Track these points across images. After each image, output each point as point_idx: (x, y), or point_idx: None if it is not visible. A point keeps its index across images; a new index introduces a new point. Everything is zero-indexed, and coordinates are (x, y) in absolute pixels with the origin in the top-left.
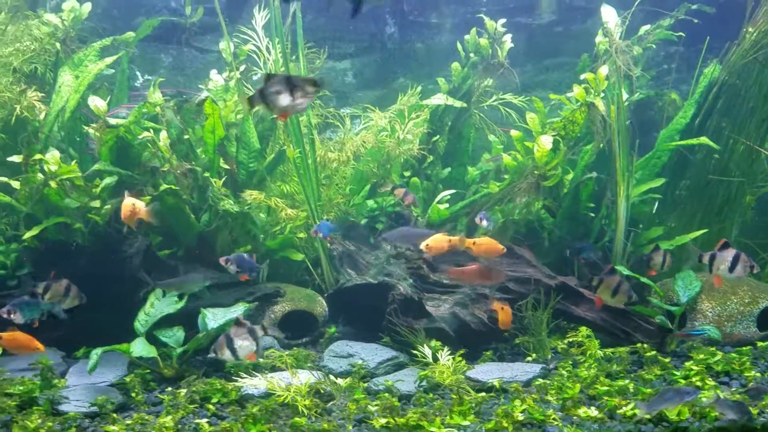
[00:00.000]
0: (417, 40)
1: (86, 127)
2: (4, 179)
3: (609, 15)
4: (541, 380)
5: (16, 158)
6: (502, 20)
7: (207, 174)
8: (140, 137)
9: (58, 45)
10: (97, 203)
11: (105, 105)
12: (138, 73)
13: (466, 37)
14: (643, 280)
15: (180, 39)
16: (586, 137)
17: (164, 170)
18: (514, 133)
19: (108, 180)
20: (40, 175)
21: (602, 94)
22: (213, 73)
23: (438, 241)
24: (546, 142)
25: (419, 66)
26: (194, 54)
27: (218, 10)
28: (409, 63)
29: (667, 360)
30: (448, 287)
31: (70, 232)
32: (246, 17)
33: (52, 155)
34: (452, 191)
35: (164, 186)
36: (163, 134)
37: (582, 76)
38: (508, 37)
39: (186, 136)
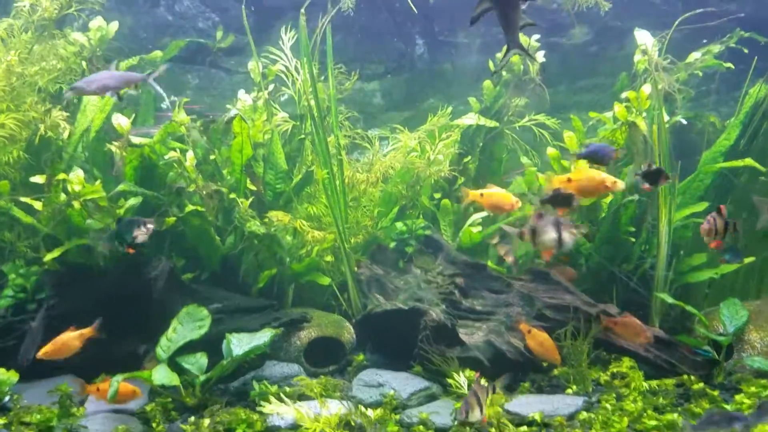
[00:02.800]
0: (447, 60)
1: (109, 145)
2: (27, 199)
3: (644, 38)
4: (585, 414)
5: (39, 178)
6: (536, 36)
7: (233, 195)
8: (166, 157)
9: (84, 64)
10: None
11: (128, 123)
12: (163, 93)
13: (498, 54)
14: (689, 308)
15: (207, 60)
16: (625, 158)
17: (190, 191)
18: (550, 151)
19: (132, 201)
20: (63, 196)
21: (644, 114)
22: (241, 92)
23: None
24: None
25: (449, 86)
26: (221, 75)
27: (248, 30)
28: (438, 83)
29: (715, 393)
30: (481, 313)
31: (93, 254)
32: (274, 39)
33: (76, 175)
34: (484, 213)
35: (190, 207)
36: (189, 154)
37: (623, 95)
38: (540, 54)
39: (212, 157)
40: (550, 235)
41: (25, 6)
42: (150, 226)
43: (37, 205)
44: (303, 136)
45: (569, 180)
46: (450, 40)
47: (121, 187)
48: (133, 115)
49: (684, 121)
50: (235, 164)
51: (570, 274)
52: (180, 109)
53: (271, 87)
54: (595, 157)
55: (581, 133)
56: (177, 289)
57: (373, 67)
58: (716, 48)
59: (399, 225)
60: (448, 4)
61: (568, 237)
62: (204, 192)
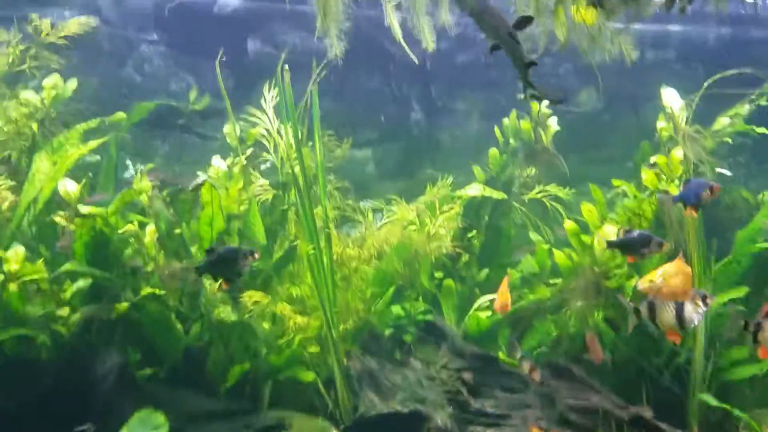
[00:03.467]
0: (445, 127)
1: (55, 217)
2: None
3: (671, 98)
4: None
5: None
6: (546, 102)
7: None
8: (121, 231)
9: (35, 127)
10: (65, 311)
11: (77, 189)
12: (129, 161)
13: (505, 120)
14: (736, 412)
15: (179, 124)
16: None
17: (148, 271)
18: (568, 224)
19: (81, 283)
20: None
21: (676, 181)
22: (215, 159)
23: None
24: (610, 232)
25: (448, 155)
26: (194, 141)
27: (223, 90)
28: (436, 152)
29: None
30: (494, 417)
31: (32, 346)
32: (255, 101)
33: (15, 252)
34: (492, 296)
35: (146, 290)
36: (150, 228)
37: (652, 159)
38: (553, 120)
39: (178, 231)
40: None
41: None
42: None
43: None
44: (286, 207)
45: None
46: (449, 106)
47: (66, 266)
48: (83, 180)
49: (728, 172)
50: (204, 239)
51: (599, 354)
52: (143, 177)
53: (249, 151)
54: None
55: (602, 205)
56: (129, 388)
57: (365, 133)
58: (744, 109)
59: (395, 309)
60: (447, 69)
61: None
62: (165, 272)
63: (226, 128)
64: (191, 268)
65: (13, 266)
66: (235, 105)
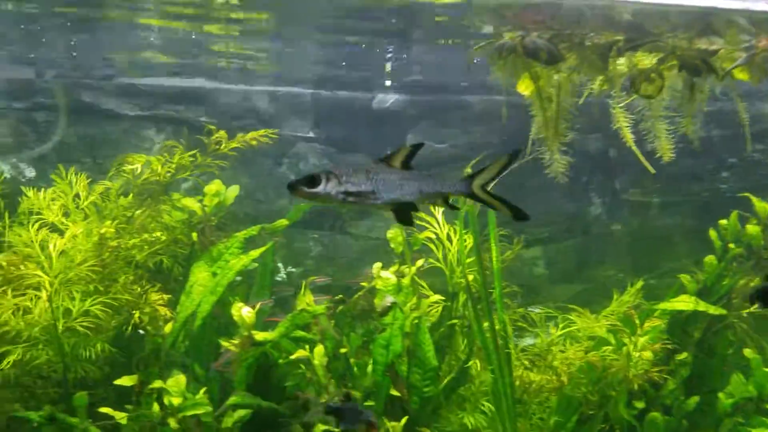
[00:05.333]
0: (632, 224)
1: (223, 342)
2: (108, 410)
3: None
4: None
5: (126, 381)
6: None
7: (371, 403)
8: (294, 357)
9: (194, 235)
10: None
11: (252, 315)
12: (280, 264)
13: (723, 221)
14: None
15: (333, 224)
16: None
17: (321, 402)
18: None
19: (241, 413)
20: (156, 409)
21: None
22: (376, 267)
23: None
24: None
25: (634, 256)
26: (348, 242)
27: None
28: (619, 252)
29: None
30: None
31: None
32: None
33: (176, 382)
34: None
35: (321, 427)
36: (319, 350)
37: None
38: None
39: (343, 350)
40: None
41: (135, 169)
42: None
43: (121, 418)
44: (455, 320)
45: None
46: (637, 199)
47: (232, 399)
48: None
49: None
50: (378, 363)
51: None
52: (306, 291)
53: (420, 262)
54: None
55: None
56: None
57: (534, 230)
58: None
59: None
60: (634, 156)
61: None
62: (336, 400)
63: (391, 232)
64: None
65: (174, 399)
66: None
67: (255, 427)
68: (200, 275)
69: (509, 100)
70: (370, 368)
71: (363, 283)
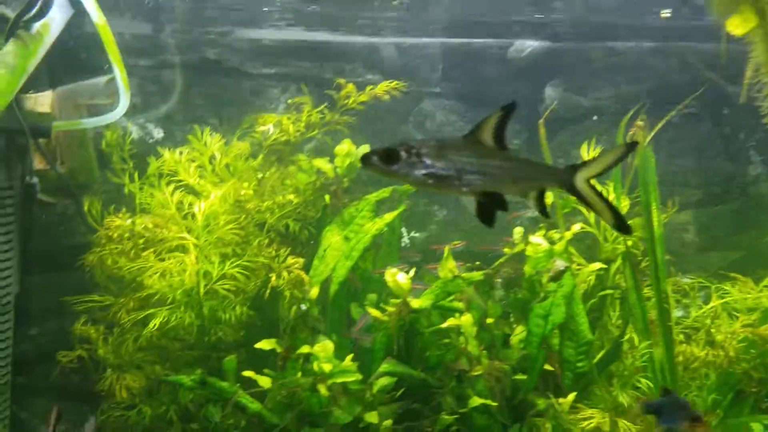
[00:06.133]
0: None
1: (371, 310)
2: (251, 374)
3: None
4: None
5: (267, 345)
6: None
7: (522, 377)
8: (446, 325)
9: (327, 198)
10: (372, 417)
11: (409, 281)
12: (403, 229)
13: None
14: None
15: None
16: None
17: (475, 374)
18: None
19: (383, 381)
20: (300, 376)
21: None
22: (518, 231)
23: None
24: None
25: None
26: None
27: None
28: None
29: None
30: None
31: None
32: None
33: (324, 348)
34: None
35: (476, 400)
36: (468, 319)
37: None
38: None
39: (489, 320)
40: None
41: (266, 129)
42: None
43: (265, 382)
44: (609, 290)
45: None
46: None
47: (384, 367)
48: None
49: None
50: (534, 334)
51: None
52: (448, 257)
53: (577, 226)
54: None
55: None
56: None
57: (685, 192)
58: None
59: (756, 426)
60: None
61: None
62: (488, 375)
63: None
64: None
65: (324, 365)
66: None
67: (400, 398)
68: (333, 239)
69: (665, 46)
70: (515, 340)
71: (505, 249)
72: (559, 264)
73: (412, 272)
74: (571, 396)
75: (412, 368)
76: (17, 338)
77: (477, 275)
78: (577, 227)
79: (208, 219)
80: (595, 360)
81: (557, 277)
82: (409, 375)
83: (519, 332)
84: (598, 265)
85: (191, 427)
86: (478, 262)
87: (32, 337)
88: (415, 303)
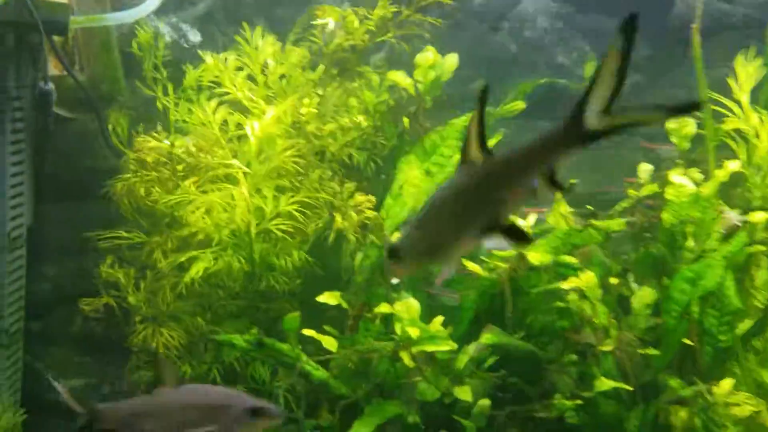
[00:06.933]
0: None
1: (468, 264)
2: (312, 333)
3: None
4: None
5: (330, 299)
6: None
7: (655, 352)
8: (566, 285)
9: (405, 121)
10: (465, 393)
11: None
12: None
13: None
14: None
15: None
16: None
17: (603, 350)
18: None
19: (470, 350)
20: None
21: None
22: (645, 169)
23: None
24: None
25: None
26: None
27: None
28: None
29: None
30: None
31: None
32: (677, 81)
33: (407, 308)
34: None
35: (604, 383)
36: (591, 278)
37: None
38: None
39: (615, 280)
40: None
41: (327, 26)
42: None
43: (329, 343)
44: (759, 246)
45: None
46: None
47: (486, 337)
48: None
49: None
50: (675, 301)
51: None
52: (562, 201)
53: (735, 165)
54: None
55: None
56: None
57: None
58: None
59: None
60: None
61: None
62: (620, 349)
63: (675, 123)
64: None
65: (411, 330)
66: (654, 83)
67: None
68: (411, 173)
69: None
70: (637, 304)
71: (631, 191)
72: (732, 216)
73: (532, 218)
74: (728, 383)
75: (509, 335)
76: (30, 278)
77: (616, 223)
78: (733, 165)
79: (261, 143)
80: (741, 332)
81: (730, 233)
82: (515, 347)
83: (643, 295)
84: (763, 216)
85: (236, 388)
86: (589, 206)
87: (49, 278)
88: (534, 257)
